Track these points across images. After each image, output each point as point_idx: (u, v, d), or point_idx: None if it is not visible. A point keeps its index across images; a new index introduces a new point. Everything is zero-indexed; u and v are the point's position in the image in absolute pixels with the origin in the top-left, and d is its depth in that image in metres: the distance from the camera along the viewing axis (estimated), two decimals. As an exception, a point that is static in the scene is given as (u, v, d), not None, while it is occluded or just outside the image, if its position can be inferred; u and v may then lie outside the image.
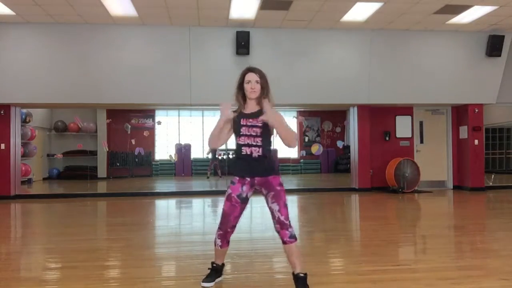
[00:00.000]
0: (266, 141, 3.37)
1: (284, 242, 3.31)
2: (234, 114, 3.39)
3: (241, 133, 3.35)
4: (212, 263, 3.55)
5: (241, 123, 3.36)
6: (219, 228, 3.42)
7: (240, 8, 8.79)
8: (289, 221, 3.32)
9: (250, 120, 3.35)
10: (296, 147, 19.22)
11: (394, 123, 11.56)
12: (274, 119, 3.21)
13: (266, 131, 3.35)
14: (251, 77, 3.36)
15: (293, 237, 3.31)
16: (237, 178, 3.39)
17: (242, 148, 3.35)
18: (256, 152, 3.32)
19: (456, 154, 11.62)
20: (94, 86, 9.86)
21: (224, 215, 3.38)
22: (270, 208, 3.35)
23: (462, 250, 5.01)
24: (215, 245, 3.48)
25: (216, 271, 3.56)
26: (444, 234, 5.92)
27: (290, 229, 3.31)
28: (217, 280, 3.57)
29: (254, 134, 3.33)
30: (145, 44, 10.02)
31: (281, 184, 3.36)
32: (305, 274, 3.28)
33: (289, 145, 3.31)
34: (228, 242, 3.47)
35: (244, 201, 3.39)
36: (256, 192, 3.47)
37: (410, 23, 9.79)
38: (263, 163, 3.35)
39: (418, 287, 3.49)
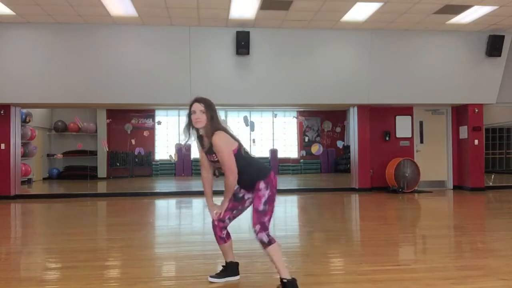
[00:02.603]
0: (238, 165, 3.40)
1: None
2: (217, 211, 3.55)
3: (211, 166, 3.60)
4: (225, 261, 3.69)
5: (207, 157, 3.53)
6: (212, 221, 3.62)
7: (240, 8, 8.79)
8: (259, 227, 3.29)
9: (209, 156, 3.48)
10: (296, 147, 19.25)
11: (394, 123, 11.56)
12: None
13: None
14: (196, 107, 3.41)
15: (263, 242, 3.31)
16: None
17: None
18: None
19: (456, 154, 11.62)
20: (94, 86, 9.87)
21: None
22: None
23: (462, 250, 5.01)
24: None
25: (225, 269, 3.64)
26: (444, 234, 5.92)
27: (259, 235, 3.29)
28: (229, 279, 3.61)
29: (219, 166, 3.47)
30: (145, 44, 10.01)
31: (258, 189, 3.38)
32: (288, 280, 3.26)
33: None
34: (223, 239, 3.56)
35: (239, 200, 3.55)
36: None
37: (410, 23, 9.79)
38: (244, 181, 3.47)
39: (418, 287, 3.49)
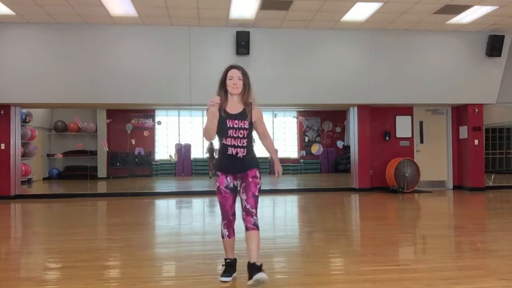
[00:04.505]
0: (250, 141, 3.52)
1: (246, 228, 3.45)
2: (219, 103, 3.42)
3: (228, 134, 3.44)
4: (225, 259, 3.69)
5: (228, 124, 3.42)
6: (222, 219, 3.59)
7: (240, 8, 8.79)
8: (256, 211, 3.47)
9: (236, 121, 3.43)
10: (296, 147, 19.27)
11: (394, 123, 11.56)
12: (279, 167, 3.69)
13: (251, 131, 3.51)
14: (234, 73, 3.48)
15: (256, 226, 3.44)
16: (220, 172, 3.56)
17: (228, 148, 3.46)
18: (241, 152, 3.48)
19: (456, 154, 11.61)
20: (94, 86, 9.87)
21: (221, 206, 3.58)
22: (240, 198, 3.52)
23: (462, 250, 5.01)
24: (222, 237, 3.62)
25: (231, 266, 3.67)
26: (444, 234, 5.92)
27: (254, 217, 3.45)
28: (234, 275, 3.66)
29: (241, 136, 3.45)
30: (145, 44, 10.01)
31: (255, 176, 3.51)
32: (261, 264, 3.39)
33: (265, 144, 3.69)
34: (234, 232, 3.64)
35: (233, 190, 3.56)
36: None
37: (410, 23, 9.79)
38: (246, 161, 3.50)
39: (418, 287, 3.49)
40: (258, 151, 3.68)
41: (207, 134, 3.49)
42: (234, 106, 3.48)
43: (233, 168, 3.49)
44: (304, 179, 15.45)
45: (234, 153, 3.45)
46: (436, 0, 8.31)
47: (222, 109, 3.44)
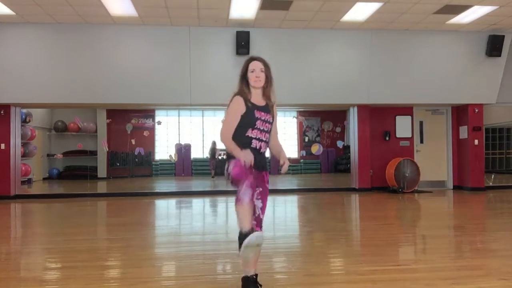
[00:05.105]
0: (269, 138, 3.30)
1: None
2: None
3: (256, 126, 3.16)
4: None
5: (256, 115, 3.17)
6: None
7: (240, 8, 8.79)
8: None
9: (263, 113, 3.20)
10: (296, 147, 19.27)
11: (394, 123, 11.55)
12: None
13: (271, 127, 3.28)
14: (256, 65, 3.27)
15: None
16: None
17: (253, 141, 3.15)
18: (264, 148, 3.22)
19: (456, 154, 11.61)
20: (94, 86, 9.86)
21: (246, 191, 3.01)
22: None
23: (462, 250, 5.01)
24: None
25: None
26: (444, 234, 5.92)
27: (262, 229, 3.17)
28: None
29: (265, 129, 3.21)
30: (145, 44, 10.01)
31: (268, 182, 3.31)
32: (256, 274, 3.18)
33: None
34: None
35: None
36: None
37: (410, 23, 9.79)
38: (264, 159, 3.28)
39: (418, 287, 3.49)
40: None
41: (227, 133, 3.14)
42: (258, 98, 3.25)
43: (255, 163, 3.05)
44: (304, 179, 15.45)
45: (258, 147, 3.16)
46: (436, 0, 8.31)
47: (247, 100, 3.18)
